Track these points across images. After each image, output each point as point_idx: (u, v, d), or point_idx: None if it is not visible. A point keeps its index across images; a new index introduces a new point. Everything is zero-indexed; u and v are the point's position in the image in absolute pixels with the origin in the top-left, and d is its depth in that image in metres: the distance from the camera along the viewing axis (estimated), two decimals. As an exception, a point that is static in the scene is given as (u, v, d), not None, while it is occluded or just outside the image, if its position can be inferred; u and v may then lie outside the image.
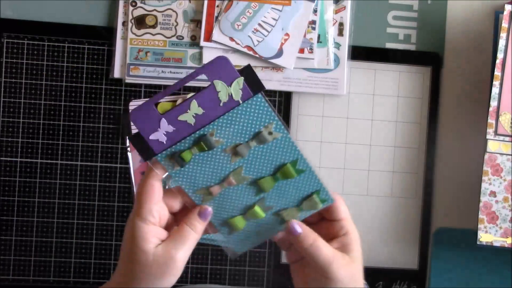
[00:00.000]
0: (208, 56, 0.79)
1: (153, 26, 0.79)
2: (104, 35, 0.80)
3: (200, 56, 0.79)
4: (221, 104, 0.52)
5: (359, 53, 0.82)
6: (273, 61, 0.79)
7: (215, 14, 0.79)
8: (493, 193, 0.76)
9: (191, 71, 0.79)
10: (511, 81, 0.76)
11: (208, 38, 0.78)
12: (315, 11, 0.80)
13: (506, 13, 0.76)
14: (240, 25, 0.78)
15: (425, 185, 0.83)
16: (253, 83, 0.52)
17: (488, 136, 0.76)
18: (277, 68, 0.80)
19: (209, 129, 0.52)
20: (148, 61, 0.79)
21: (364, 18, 0.83)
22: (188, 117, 0.52)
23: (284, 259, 0.82)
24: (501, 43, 0.76)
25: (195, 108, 0.52)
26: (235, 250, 0.58)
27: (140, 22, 0.79)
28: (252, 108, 0.52)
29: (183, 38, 0.79)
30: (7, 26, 0.79)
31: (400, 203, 0.83)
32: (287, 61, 0.79)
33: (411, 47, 0.83)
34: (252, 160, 0.54)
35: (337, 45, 0.81)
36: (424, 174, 0.83)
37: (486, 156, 0.76)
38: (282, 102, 0.82)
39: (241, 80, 0.52)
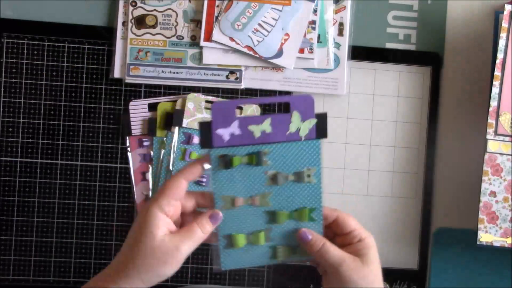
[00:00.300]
0: (208, 56, 0.79)
1: (153, 26, 0.79)
2: (104, 35, 0.80)
3: (200, 56, 0.79)
4: (287, 133, 0.57)
5: (359, 53, 0.82)
6: (273, 61, 0.79)
7: (215, 14, 0.79)
8: (493, 193, 0.76)
9: (191, 71, 0.79)
10: (511, 81, 0.76)
11: (208, 38, 0.78)
12: (315, 11, 0.80)
13: (506, 13, 0.76)
14: (240, 25, 0.78)
15: (425, 185, 0.83)
16: (321, 129, 0.58)
17: (488, 136, 0.76)
18: (277, 68, 0.80)
19: (266, 148, 0.57)
20: (148, 61, 0.79)
21: (364, 18, 0.83)
22: (256, 129, 0.57)
23: (284, 259, 0.82)
24: (501, 43, 0.76)
25: (266, 125, 0.57)
26: (222, 265, 0.60)
27: (140, 22, 0.79)
28: (308, 148, 0.58)
29: (183, 38, 0.79)
30: (7, 26, 0.79)
31: (400, 203, 0.83)
32: (287, 61, 0.79)
33: (411, 47, 0.83)
34: (282, 192, 0.58)
35: (337, 45, 0.81)
36: (424, 174, 0.83)
37: (486, 156, 0.76)
38: (282, 102, 0.82)
39: (313, 121, 0.58)
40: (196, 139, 0.79)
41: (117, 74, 0.79)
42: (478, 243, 0.76)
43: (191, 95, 0.79)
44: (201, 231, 0.55)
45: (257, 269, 0.81)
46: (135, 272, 0.54)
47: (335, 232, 0.60)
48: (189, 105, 0.79)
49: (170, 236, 0.54)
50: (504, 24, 0.76)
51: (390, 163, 0.83)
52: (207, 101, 0.79)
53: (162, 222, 0.54)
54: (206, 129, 0.55)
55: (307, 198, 0.60)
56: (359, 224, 0.60)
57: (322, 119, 0.58)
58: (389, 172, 0.83)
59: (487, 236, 0.77)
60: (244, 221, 0.59)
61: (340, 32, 0.81)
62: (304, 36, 0.79)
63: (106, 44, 0.80)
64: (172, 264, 0.54)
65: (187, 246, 0.54)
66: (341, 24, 0.81)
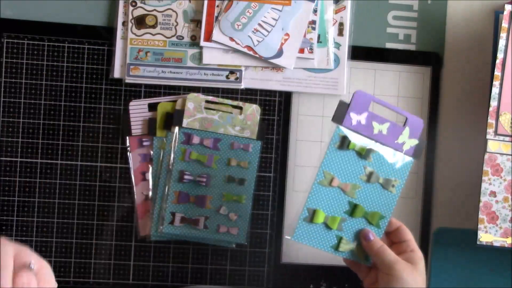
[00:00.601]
0: (208, 56, 0.79)
1: (153, 26, 0.79)
2: (104, 35, 0.80)
3: (200, 56, 0.79)
4: (395, 141, 0.69)
5: (359, 53, 0.82)
6: (273, 61, 0.79)
7: (215, 14, 0.79)
8: (493, 193, 0.76)
9: (191, 71, 0.79)
10: (511, 81, 0.76)
11: (208, 38, 0.78)
12: (315, 11, 0.80)
13: (506, 13, 0.76)
14: (240, 25, 0.78)
15: (425, 185, 0.83)
16: (418, 150, 0.70)
17: (488, 136, 0.76)
18: (277, 68, 0.80)
19: (376, 147, 0.68)
20: (148, 61, 0.79)
21: (364, 18, 0.83)
22: (377, 127, 0.68)
23: (284, 259, 0.82)
24: (501, 43, 0.76)
25: (385, 127, 0.68)
26: (294, 235, 0.67)
27: (140, 22, 0.79)
28: (403, 162, 0.69)
29: (183, 38, 0.79)
30: (7, 26, 0.79)
31: (400, 203, 0.83)
32: (287, 61, 0.79)
33: (411, 47, 0.83)
34: (368, 190, 0.68)
35: (337, 45, 0.81)
36: (424, 174, 0.83)
37: (486, 156, 0.76)
38: (282, 102, 0.82)
39: (416, 141, 0.69)
40: (196, 139, 0.78)
41: (117, 74, 0.79)
42: (478, 243, 0.77)
43: (191, 95, 0.78)
44: None
45: (257, 269, 0.82)
46: None
47: (392, 241, 0.70)
48: (189, 105, 0.78)
49: None
50: (504, 24, 0.76)
51: (390, 163, 0.83)
52: (207, 101, 0.79)
53: None
54: (343, 107, 0.67)
55: (383, 205, 0.69)
56: (411, 236, 0.69)
57: (422, 141, 0.70)
58: (389, 172, 0.83)
59: (487, 236, 0.77)
60: (330, 202, 0.68)
61: (340, 32, 0.81)
62: (304, 36, 0.79)
63: (106, 44, 0.80)
64: None
65: None
66: (341, 24, 0.81)
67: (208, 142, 0.77)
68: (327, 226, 0.68)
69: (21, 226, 0.79)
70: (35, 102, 0.79)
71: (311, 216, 0.67)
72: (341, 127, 0.67)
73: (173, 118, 0.78)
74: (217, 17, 0.79)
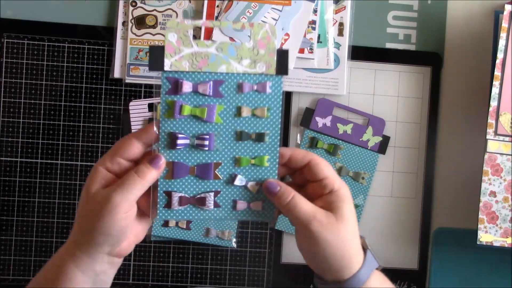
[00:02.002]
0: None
1: (153, 26, 0.79)
2: (104, 35, 0.80)
3: (200, 56, 0.79)
4: (360, 139, 0.77)
5: (359, 53, 0.82)
6: (273, 61, 0.79)
7: (215, 14, 0.79)
8: (493, 193, 0.76)
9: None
10: (511, 81, 0.76)
11: (208, 38, 0.78)
12: (315, 11, 0.80)
13: (506, 13, 0.76)
14: (240, 25, 0.78)
15: (425, 185, 0.83)
16: (382, 146, 0.80)
17: (488, 136, 0.76)
18: (277, 68, 0.80)
19: (342, 144, 0.78)
20: (148, 61, 0.79)
21: (364, 18, 0.83)
22: (341, 128, 0.78)
23: (284, 259, 0.82)
24: (501, 43, 0.76)
25: (349, 128, 0.79)
26: (275, 223, 0.64)
27: (140, 22, 0.79)
28: (370, 157, 0.79)
29: (183, 38, 0.79)
30: (7, 26, 0.79)
31: (400, 203, 0.83)
32: (287, 61, 0.79)
33: (411, 47, 0.83)
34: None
35: (337, 45, 0.81)
36: (424, 174, 0.83)
37: (486, 156, 0.76)
38: (282, 102, 0.81)
39: (380, 138, 0.78)
40: (187, 86, 0.56)
41: (117, 74, 0.79)
42: (478, 243, 0.76)
43: (172, 22, 0.55)
44: (139, 177, 0.51)
45: (257, 269, 0.81)
46: (80, 234, 0.51)
47: (307, 179, 0.55)
48: (171, 37, 0.55)
49: (104, 189, 0.51)
50: (504, 24, 0.76)
51: (390, 163, 0.83)
52: (197, 28, 0.66)
53: (99, 177, 0.52)
54: (308, 113, 0.74)
55: (355, 194, 0.80)
56: (332, 171, 0.54)
57: (384, 140, 0.81)
58: (389, 172, 0.83)
59: (487, 236, 0.77)
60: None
61: (340, 32, 0.81)
62: (304, 36, 0.79)
63: (106, 44, 0.80)
64: (105, 217, 0.49)
65: (118, 195, 0.50)
66: (341, 24, 0.81)
67: (205, 87, 0.56)
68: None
69: (21, 226, 0.79)
70: (35, 102, 0.79)
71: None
72: (309, 130, 0.79)
73: (149, 59, 0.56)
74: (217, 17, 0.78)
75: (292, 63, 0.79)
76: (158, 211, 0.55)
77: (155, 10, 0.79)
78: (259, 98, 0.57)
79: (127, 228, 0.51)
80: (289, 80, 0.80)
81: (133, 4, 0.79)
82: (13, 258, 0.79)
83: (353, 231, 0.53)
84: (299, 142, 0.81)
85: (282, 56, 0.56)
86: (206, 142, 0.56)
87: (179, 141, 0.56)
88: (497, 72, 0.76)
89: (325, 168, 0.53)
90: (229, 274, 0.81)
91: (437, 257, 0.83)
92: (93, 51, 0.80)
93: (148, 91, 0.80)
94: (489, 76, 0.82)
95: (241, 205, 0.57)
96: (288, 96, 0.82)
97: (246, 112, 0.57)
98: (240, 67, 0.56)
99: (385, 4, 0.83)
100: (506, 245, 0.76)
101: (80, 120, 0.80)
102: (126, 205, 0.50)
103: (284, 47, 0.79)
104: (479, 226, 0.76)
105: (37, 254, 0.80)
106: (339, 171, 0.80)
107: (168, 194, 0.56)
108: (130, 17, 0.79)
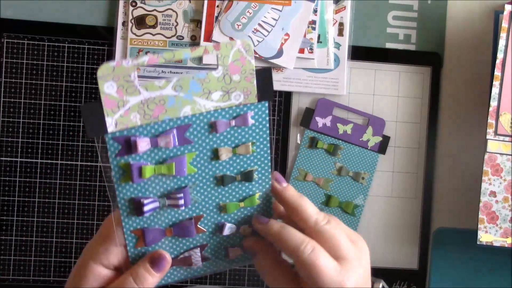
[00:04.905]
0: (208, 56, 0.79)
1: (153, 26, 0.79)
2: (104, 35, 0.80)
3: (200, 56, 0.79)
4: (360, 139, 0.79)
5: (359, 53, 0.82)
6: (273, 61, 0.79)
7: (215, 14, 0.79)
8: (493, 193, 0.76)
9: (191, 71, 0.79)
10: (511, 81, 0.76)
11: (208, 38, 0.78)
12: (315, 11, 0.80)
13: (506, 13, 0.76)
14: (240, 25, 0.78)
15: (425, 185, 0.83)
16: (382, 146, 0.81)
17: (488, 136, 0.76)
18: (277, 68, 0.80)
19: (342, 144, 0.79)
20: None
21: (364, 18, 0.83)
22: (341, 128, 0.80)
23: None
24: (501, 43, 0.76)
25: (349, 128, 0.80)
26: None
27: (140, 22, 0.79)
28: (370, 157, 0.79)
29: (183, 38, 0.79)
30: (7, 26, 0.79)
31: (400, 203, 0.83)
32: (287, 61, 0.79)
33: (411, 47, 0.83)
34: (340, 182, 0.80)
35: (337, 45, 0.81)
36: (424, 174, 0.83)
37: (486, 156, 0.76)
38: (282, 102, 0.82)
39: (380, 138, 0.79)
40: (143, 144, 0.44)
41: (117, 74, 0.79)
42: (478, 243, 0.76)
43: (105, 68, 0.42)
44: (136, 284, 0.43)
45: (257, 269, 0.81)
46: None
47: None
48: (108, 88, 0.42)
49: None
50: (504, 24, 0.76)
51: (390, 163, 0.83)
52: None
53: (93, 279, 0.44)
54: (309, 113, 0.75)
55: (355, 194, 0.79)
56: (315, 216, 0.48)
57: (384, 140, 0.80)
58: (389, 172, 0.83)
59: (487, 236, 0.77)
60: (306, 194, 0.75)
61: (340, 32, 0.81)
62: (304, 36, 0.79)
63: (106, 44, 0.80)
64: None
65: None
66: (341, 24, 0.81)
67: (168, 139, 0.44)
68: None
69: (21, 226, 0.79)
70: (35, 102, 0.79)
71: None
72: (309, 130, 0.79)
73: (84, 123, 0.43)
74: (217, 17, 0.79)
75: (292, 63, 0.79)
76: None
77: (155, 10, 0.79)
78: (239, 134, 0.46)
79: None
80: (289, 80, 0.80)
81: (133, 4, 0.79)
82: (13, 258, 0.79)
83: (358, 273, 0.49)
84: (299, 142, 0.80)
85: (264, 77, 0.45)
86: (181, 201, 0.46)
87: (146, 207, 0.45)
88: (497, 72, 0.76)
89: (311, 213, 0.48)
90: (229, 274, 0.81)
91: (437, 257, 0.83)
92: (93, 51, 0.80)
93: (148, 91, 0.80)
94: (489, 76, 0.82)
95: (235, 252, 0.50)
96: (288, 96, 0.82)
97: (225, 154, 0.46)
98: (209, 104, 0.44)
99: (385, 4, 0.83)
100: (506, 245, 0.76)
101: (80, 120, 0.80)
102: None
103: (284, 47, 0.79)
104: (479, 226, 0.76)
105: (37, 254, 0.80)
106: (339, 171, 0.79)
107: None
108: (130, 17, 0.79)
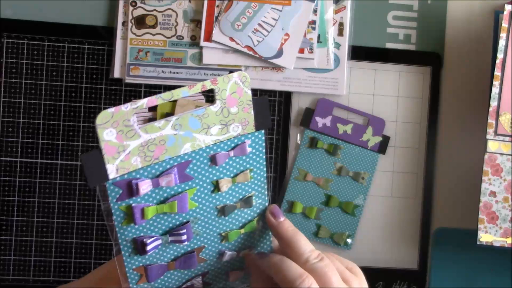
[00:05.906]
0: (208, 56, 0.79)
1: (153, 26, 0.79)
2: (104, 35, 0.80)
3: (200, 56, 0.79)
4: (360, 139, 0.78)
5: (359, 53, 0.82)
6: (273, 61, 0.79)
7: (215, 14, 0.79)
8: (493, 193, 0.76)
9: (191, 71, 0.79)
10: (511, 81, 0.76)
11: (208, 38, 0.78)
12: (315, 11, 0.79)
13: (506, 13, 0.76)
14: (240, 25, 0.78)
15: (425, 185, 0.83)
16: (382, 146, 0.81)
17: (488, 136, 0.76)
18: (277, 68, 0.80)
19: (342, 144, 0.79)
20: (148, 61, 0.79)
21: (364, 18, 0.83)
22: (341, 128, 0.79)
23: (284, 259, 0.82)
24: (501, 43, 0.76)
25: (349, 128, 0.78)
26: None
27: (140, 22, 0.79)
28: (370, 157, 0.80)
29: (183, 38, 0.79)
30: (7, 26, 0.79)
31: (400, 203, 0.83)
32: (287, 61, 0.79)
33: (411, 47, 0.83)
34: (340, 182, 0.80)
35: (337, 45, 0.81)
36: (424, 174, 0.83)
37: (486, 156, 0.76)
38: (282, 102, 0.82)
39: (380, 138, 0.79)
40: (145, 186, 0.44)
41: (117, 74, 0.79)
42: (478, 243, 0.76)
43: (104, 115, 0.42)
44: None
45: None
46: None
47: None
48: (107, 135, 0.42)
49: None
50: (504, 24, 0.76)
51: (390, 163, 0.83)
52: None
53: None
54: (308, 113, 0.79)
55: (355, 194, 0.79)
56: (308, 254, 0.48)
57: (384, 140, 0.80)
58: (389, 172, 0.83)
59: (487, 236, 0.76)
60: (307, 194, 0.77)
61: (340, 32, 0.81)
62: (304, 36, 0.79)
63: (106, 44, 0.80)
64: None
65: None
66: (341, 24, 0.81)
67: (169, 179, 0.44)
68: (305, 216, 0.78)
69: (21, 226, 0.79)
70: (35, 102, 0.79)
71: (290, 207, 0.78)
72: (309, 130, 0.79)
73: (84, 172, 0.42)
74: (217, 17, 0.78)
75: (292, 63, 0.79)
76: None
77: (155, 10, 0.79)
78: (237, 163, 0.46)
79: None
80: (289, 80, 0.80)
81: (133, 4, 0.79)
82: (13, 258, 0.79)
83: None
84: (299, 142, 0.80)
85: (261, 106, 0.46)
86: (184, 237, 0.46)
87: (149, 246, 0.45)
88: (497, 72, 0.76)
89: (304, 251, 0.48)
90: (229, 274, 0.81)
91: (437, 257, 0.83)
92: (93, 51, 0.80)
93: (148, 91, 0.80)
94: (489, 76, 0.82)
95: (236, 275, 0.50)
96: (288, 96, 0.82)
97: (226, 185, 0.46)
98: (208, 138, 0.44)
99: (385, 4, 0.83)
100: (506, 245, 0.76)
101: (80, 120, 0.80)
102: None
103: (284, 47, 0.79)
104: (479, 226, 0.76)
105: (37, 254, 0.80)
106: (339, 171, 0.79)
107: None
108: (130, 17, 0.79)
